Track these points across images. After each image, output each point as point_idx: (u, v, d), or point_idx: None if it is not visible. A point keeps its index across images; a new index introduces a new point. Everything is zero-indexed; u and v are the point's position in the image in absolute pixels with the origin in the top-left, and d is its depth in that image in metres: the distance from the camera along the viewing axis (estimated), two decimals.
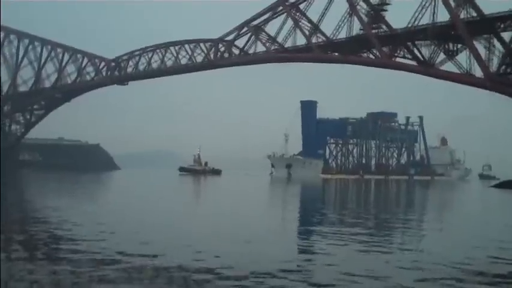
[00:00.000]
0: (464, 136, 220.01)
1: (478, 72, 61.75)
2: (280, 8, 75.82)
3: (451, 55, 63.79)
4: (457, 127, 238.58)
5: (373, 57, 68.97)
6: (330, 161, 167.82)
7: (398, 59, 67.25)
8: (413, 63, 66.08)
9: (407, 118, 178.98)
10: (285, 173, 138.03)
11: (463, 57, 62.86)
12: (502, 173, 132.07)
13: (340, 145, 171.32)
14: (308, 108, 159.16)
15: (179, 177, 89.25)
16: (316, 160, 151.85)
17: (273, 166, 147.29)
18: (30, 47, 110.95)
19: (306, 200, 37.83)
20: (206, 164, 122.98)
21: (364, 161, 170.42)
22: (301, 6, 74.04)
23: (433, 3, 62.52)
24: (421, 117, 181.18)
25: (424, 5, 63.14)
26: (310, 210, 24.82)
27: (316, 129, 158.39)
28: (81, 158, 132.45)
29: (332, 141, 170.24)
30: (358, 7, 68.75)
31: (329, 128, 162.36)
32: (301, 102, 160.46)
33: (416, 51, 65.62)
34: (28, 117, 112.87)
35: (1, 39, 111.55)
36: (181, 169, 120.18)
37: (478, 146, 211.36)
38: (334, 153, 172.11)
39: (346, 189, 59.84)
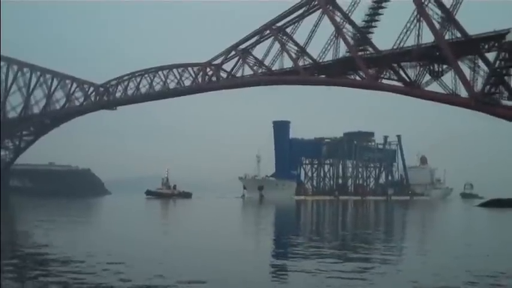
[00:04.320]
0: (445, 155, 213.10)
1: (463, 93, 58.96)
2: (267, 31, 72.36)
3: (436, 76, 60.97)
4: (437, 146, 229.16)
5: (360, 79, 65.72)
6: (305, 182, 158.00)
7: (384, 81, 64.15)
8: (399, 84, 62.89)
9: (385, 137, 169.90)
10: (258, 195, 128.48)
11: (448, 77, 60.20)
12: (485, 192, 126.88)
13: (315, 165, 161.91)
14: (281, 128, 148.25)
15: (146, 201, 78.14)
16: (289, 181, 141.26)
17: (245, 188, 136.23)
18: (19, 73, 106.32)
19: (281, 226, 31.79)
20: (175, 187, 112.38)
21: (340, 182, 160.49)
22: (288, 29, 70.78)
23: (417, 25, 59.61)
24: (399, 136, 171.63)
25: (409, 27, 60.19)
26: (286, 244, 19.11)
27: (290, 150, 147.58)
28: (72, 183, 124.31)
29: (307, 161, 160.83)
30: (344, 30, 65.79)
31: (303, 148, 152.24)
32: (274, 122, 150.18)
33: (402, 72, 62.74)
34: (17, 143, 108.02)
35: None
36: (148, 193, 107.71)
37: (459, 165, 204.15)
38: (309, 174, 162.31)
39: (321, 212, 52.94)
